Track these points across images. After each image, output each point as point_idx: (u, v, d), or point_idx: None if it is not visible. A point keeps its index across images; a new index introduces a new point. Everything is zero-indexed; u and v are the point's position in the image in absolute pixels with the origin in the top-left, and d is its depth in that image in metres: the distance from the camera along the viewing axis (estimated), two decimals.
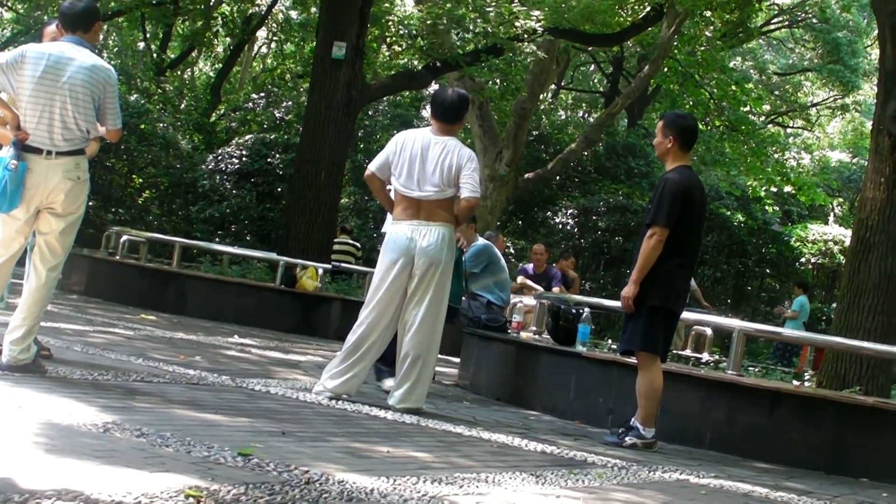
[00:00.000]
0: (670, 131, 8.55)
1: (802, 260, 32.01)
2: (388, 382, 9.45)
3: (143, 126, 26.92)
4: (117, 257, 18.56)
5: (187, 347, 11.25)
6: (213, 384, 8.19)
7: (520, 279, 17.14)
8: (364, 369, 8.61)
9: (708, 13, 26.98)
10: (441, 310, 8.58)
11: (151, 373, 8.21)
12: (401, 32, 24.78)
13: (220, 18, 34.99)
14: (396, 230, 8.59)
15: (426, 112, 36.16)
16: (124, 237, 18.89)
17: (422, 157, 8.51)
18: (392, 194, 8.80)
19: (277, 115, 31.83)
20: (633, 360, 8.65)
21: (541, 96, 31.58)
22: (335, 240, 21.29)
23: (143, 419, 5.85)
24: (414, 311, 8.49)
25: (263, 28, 38.58)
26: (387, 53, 31.61)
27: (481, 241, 12.72)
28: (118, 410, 6.05)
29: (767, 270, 32.65)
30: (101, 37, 37.27)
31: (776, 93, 44.61)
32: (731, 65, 37.26)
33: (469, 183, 8.46)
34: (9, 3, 37.18)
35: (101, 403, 6.21)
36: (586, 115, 46.74)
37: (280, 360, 11.76)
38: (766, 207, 33.63)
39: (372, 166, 8.74)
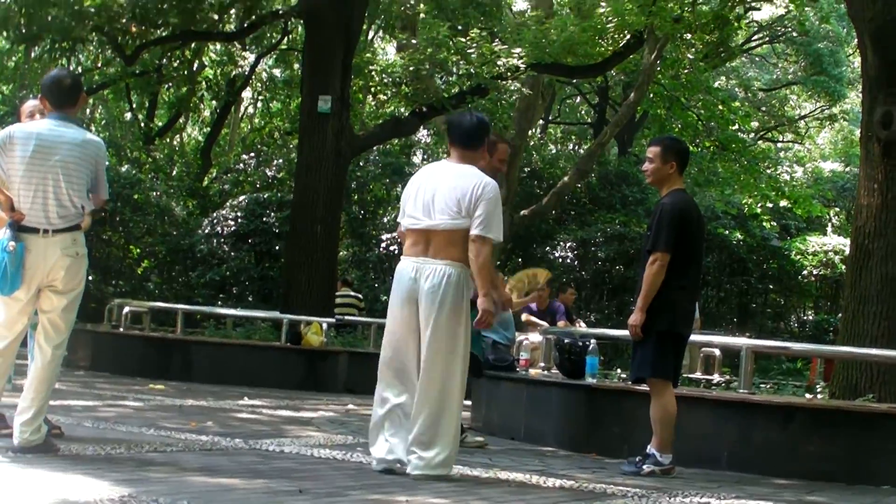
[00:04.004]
0: (672, 157, 8.57)
1: (804, 273, 31.96)
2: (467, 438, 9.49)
3: (136, 196, 26.94)
4: (121, 329, 18.56)
5: (198, 413, 11.23)
6: (227, 448, 8.17)
7: (524, 316, 17.11)
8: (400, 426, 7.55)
9: (688, 36, 27.06)
10: (453, 361, 7.49)
11: (164, 442, 8.19)
12: (385, 81, 24.87)
13: (204, 83, 35.11)
14: (401, 267, 7.70)
15: (416, 158, 36.25)
16: (126, 308, 18.89)
17: (434, 184, 7.64)
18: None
19: (269, 173, 31.87)
20: (645, 387, 8.63)
21: (529, 132, 31.62)
22: (337, 293, 21.30)
23: (159, 489, 5.84)
24: (422, 362, 7.51)
25: (248, 88, 38.69)
26: (373, 103, 31.67)
27: None
28: (133, 483, 6.03)
29: (770, 286, 32.61)
30: (88, 111, 37.49)
31: (763, 108, 44.65)
32: (716, 85, 37.27)
33: (480, 218, 7.46)
34: None
35: (115, 477, 6.19)
36: (576, 148, 46.76)
37: (292, 417, 11.74)
38: (764, 223, 33.55)
39: (400, 219, 7.90)
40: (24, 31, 22.34)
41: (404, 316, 7.61)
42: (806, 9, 34.55)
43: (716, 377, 12.71)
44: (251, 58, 34.09)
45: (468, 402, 13.62)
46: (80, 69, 33.19)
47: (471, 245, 7.52)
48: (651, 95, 31.08)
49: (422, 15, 27.38)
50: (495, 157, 9.49)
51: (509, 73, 22.88)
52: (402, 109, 24.89)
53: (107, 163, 7.55)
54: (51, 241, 7.18)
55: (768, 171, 34.82)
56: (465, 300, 7.60)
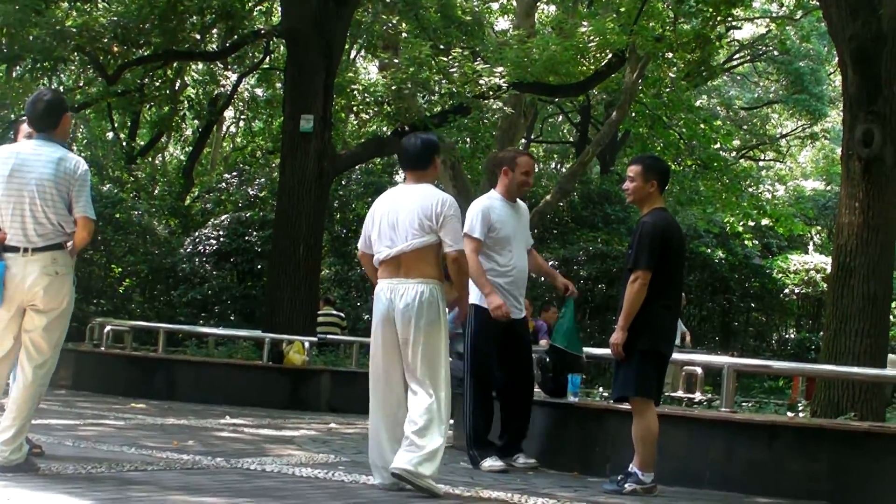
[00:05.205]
0: (653, 175, 8.56)
1: (786, 291, 32.05)
2: (521, 460, 9.75)
3: (118, 215, 26.96)
4: (102, 348, 18.50)
5: (179, 432, 11.20)
6: (208, 467, 8.14)
7: None
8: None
9: (669, 55, 27.15)
10: (436, 376, 7.56)
11: (145, 461, 8.16)
12: (367, 100, 24.88)
13: (186, 102, 35.16)
14: (378, 290, 7.86)
15: (399, 177, 36.21)
16: (108, 327, 18.83)
17: (395, 209, 7.85)
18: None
19: (251, 192, 31.85)
20: (627, 406, 8.62)
21: None
22: (319, 312, 21.28)
23: None
24: (408, 381, 7.63)
25: (230, 108, 38.69)
26: (355, 122, 31.71)
27: None
28: (114, 502, 6.01)
29: (752, 304, 32.71)
30: (70, 130, 37.44)
31: (745, 127, 44.81)
32: (698, 103, 37.38)
33: (449, 236, 7.69)
34: None
35: (96, 496, 6.17)
36: (559, 166, 46.85)
37: (273, 437, 11.71)
38: (746, 242, 33.67)
39: (360, 245, 8.25)
40: (5, 50, 22.30)
41: (385, 336, 7.73)
42: (787, 28, 34.74)
43: (698, 396, 12.72)
44: (233, 77, 34.12)
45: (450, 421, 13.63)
46: (61, 88, 33.16)
47: (451, 263, 7.78)
48: (633, 114, 31.20)
49: (404, 34, 27.45)
50: (518, 171, 9.57)
51: (491, 92, 22.92)
52: (385, 128, 24.91)
53: (89, 181, 7.49)
54: (31, 259, 7.17)
55: (750, 190, 34.96)
56: (440, 315, 7.75)
